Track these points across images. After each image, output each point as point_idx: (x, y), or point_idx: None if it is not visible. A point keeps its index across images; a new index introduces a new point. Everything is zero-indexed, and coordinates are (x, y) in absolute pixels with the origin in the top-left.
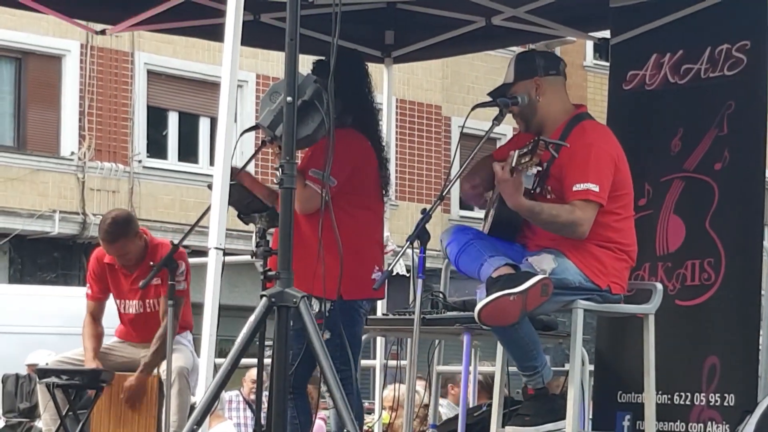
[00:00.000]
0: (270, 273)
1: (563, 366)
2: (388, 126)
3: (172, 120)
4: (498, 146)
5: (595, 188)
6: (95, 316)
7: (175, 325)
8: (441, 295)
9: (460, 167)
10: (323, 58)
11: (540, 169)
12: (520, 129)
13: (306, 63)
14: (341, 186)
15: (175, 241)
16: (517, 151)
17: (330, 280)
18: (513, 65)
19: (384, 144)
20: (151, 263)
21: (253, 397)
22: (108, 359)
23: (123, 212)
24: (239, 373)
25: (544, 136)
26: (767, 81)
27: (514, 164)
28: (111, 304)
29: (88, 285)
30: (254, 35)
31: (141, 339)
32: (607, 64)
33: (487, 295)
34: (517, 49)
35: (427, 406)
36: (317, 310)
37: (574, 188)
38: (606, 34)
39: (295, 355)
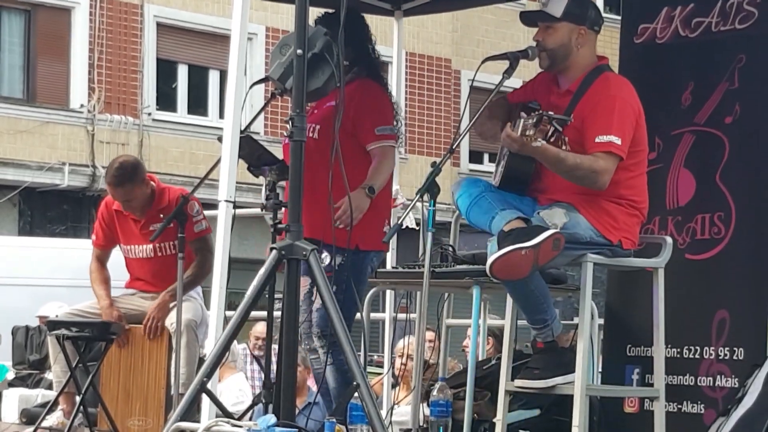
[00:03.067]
0: (280, 225)
1: (572, 320)
2: (398, 79)
3: (182, 72)
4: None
5: (618, 141)
6: (101, 261)
7: (208, 270)
8: (450, 249)
9: (470, 121)
10: (330, 11)
11: (542, 143)
12: (541, 66)
13: (316, 16)
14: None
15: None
16: (521, 120)
17: (345, 231)
18: (565, 1)
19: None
20: (161, 214)
21: (257, 352)
22: (122, 314)
23: (131, 158)
24: (247, 327)
25: (559, 103)
26: None
27: (519, 134)
28: (119, 259)
29: (94, 232)
30: None
31: (152, 286)
32: (617, 17)
33: (499, 249)
34: (526, 1)
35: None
36: (327, 262)
37: (597, 139)
38: None
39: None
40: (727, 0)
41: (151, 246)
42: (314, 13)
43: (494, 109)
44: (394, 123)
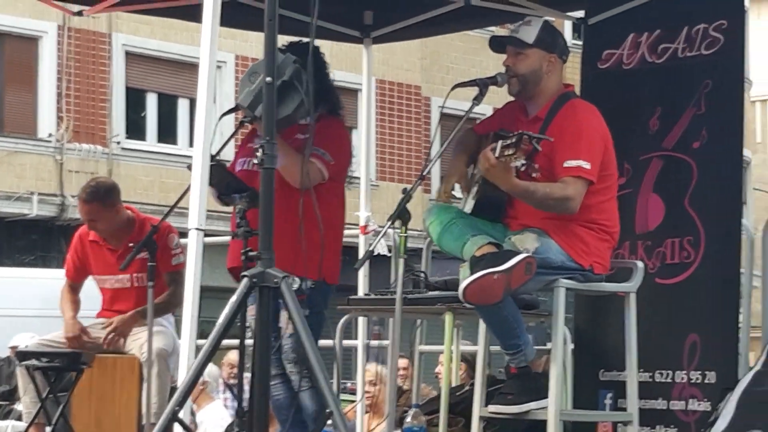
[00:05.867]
0: (251, 253)
1: (545, 345)
2: (368, 106)
3: (151, 101)
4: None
5: (587, 165)
6: (73, 288)
7: (179, 302)
8: (422, 275)
9: (440, 147)
10: (296, 40)
11: (524, 163)
12: (511, 92)
13: (281, 44)
14: (338, 170)
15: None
16: (500, 142)
17: (312, 261)
18: (537, 29)
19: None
20: (131, 244)
21: (231, 381)
22: (88, 341)
23: (109, 181)
24: (219, 355)
25: (527, 130)
26: (744, 60)
27: (497, 155)
28: (92, 290)
29: (66, 264)
30: (233, 15)
31: None
32: (578, 42)
33: (471, 274)
34: (496, 29)
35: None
36: (297, 286)
37: (566, 164)
38: (581, 14)
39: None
40: (693, 26)
41: (127, 276)
42: (283, 40)
43: (463, 148)
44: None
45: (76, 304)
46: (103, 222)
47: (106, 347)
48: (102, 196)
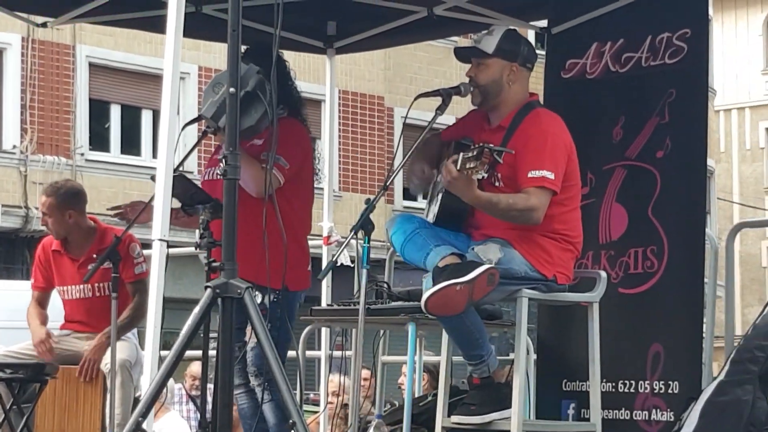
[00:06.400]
0: (214, 264)
1: (507, 355)
2: (331, 117)
3: (115, 112)
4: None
5: (551, 176)
6: (40, 302)
7: (144, 313)
8: (385, 285)
9: (403, 158)
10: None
11: (485, 176)
12: (474, 102)
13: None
14: (294, 172)
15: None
16: (462, 155)
17: (275, 271)
18: (498, 38)
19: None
20: (94, 256)
21: (194, 392)
22: (56, 347)
23: (78, 186)
24: (182, 367)
25: (490, 139)
26: (708, 69)
27: (458, 168)
28: (57, 302)
29: (32, 275)
30: (196, 27)
31: (88, 327)
32: (542, 52)
33: (434, 285)
34: (459, 39)
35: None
36: (260, 300)
37: (530, 174)
38: (545, 23)
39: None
40: (657, 35)
41: (89, 286)
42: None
43: (425, 149)
44: (314, 160)
45: (43, 317)
46: (53, 221)
47: (83, 379)
48: (60, 195)
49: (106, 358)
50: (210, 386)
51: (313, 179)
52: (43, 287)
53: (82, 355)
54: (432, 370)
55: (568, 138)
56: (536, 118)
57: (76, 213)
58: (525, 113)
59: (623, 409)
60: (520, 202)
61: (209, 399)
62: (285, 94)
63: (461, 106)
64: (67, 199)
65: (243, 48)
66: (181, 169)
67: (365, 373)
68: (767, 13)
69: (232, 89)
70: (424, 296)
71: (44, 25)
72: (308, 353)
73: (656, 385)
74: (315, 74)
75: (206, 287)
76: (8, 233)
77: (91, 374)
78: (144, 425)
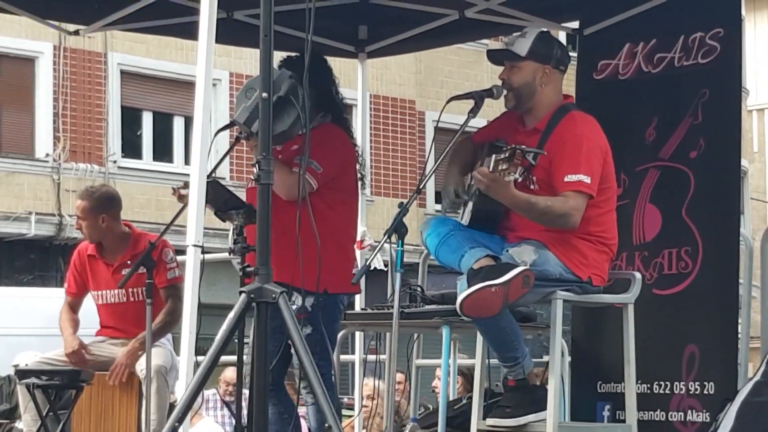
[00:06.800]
0: (248, 269)
1: (542, 357)
2: (362, 121)
3: (147, 120)
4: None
5: (587, 180)
6: (72, 307)
7: (178, 317)
8: (419, 289)
9: (435, 162)
10: (293, 54)
11: (518, 178)
12: (507, 106)
13: (279, 59)
14: (329, 180)
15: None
16: (494, 156)
17: (314, 274)
18: (531, 40)
19: (356, 139)
20: (128, 262)
21: (228, 398)
22: (88, 358)
23: (113, 191)
24: (216, 372)
25: (525, 142)
26: (741, 68)
27: (491, 170)
28: (91, 308)
29: (66, 280)
30: (227, 33)
31: (122, 333)
32: (573, 54)
33: (469, 287)
34: (490, 42)
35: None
36: (300, 304)
37: (566, 179)
38: (577, 24)
39: (271, 354)
40: (690, 35)
41: (123, 291)
42: (279, 56)
43: (458, 157)
44: (358, 166)
45: (75, 323)
46: (87, 225)
47: (113, 383)
48: (94, 199)
49: (141, 364)
50: (245, 392)
51: (357, 185)
52: (76, 293)
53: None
54: (466, 373)
55: (603, 141)
56: (571, 121)
57: (109, 218)
58: (560, 116)
59: (658, 410)
60: (557, 205)
61: (244, 404)
62: (328, 100)
63: (493, 110)
64: (101, 203)
65: (284, 55)
66: (214, 175)
67: (399, 376)
68: None
69: (264, 94)
70: (459, 298)
71: (76, 33)
72: (342, 357)
73: (692, 386)
74: (346, 79)
75: (241, 292)
76: (42, 241)
77: (121, 378)
78: (180, 431)
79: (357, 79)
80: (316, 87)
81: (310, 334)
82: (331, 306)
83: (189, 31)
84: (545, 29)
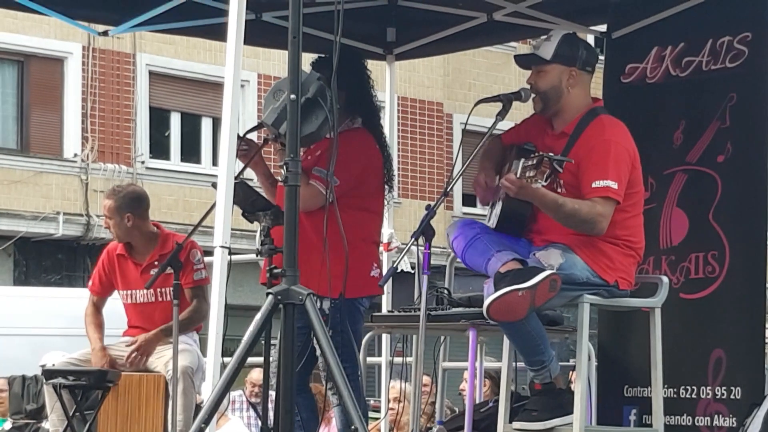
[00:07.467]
0: (276, 270)
1: (568, 361)
2: (390, 124)
3: (175, 120)
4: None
5: (615, 185)
6: (97, 306)
7: (202, 316)
8: (446, 292)
9: (463, 164)
10: (324, 55)
11: (544, 184)
12: (535, 109)
13: (308, 61)
14: (346, 188)
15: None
16: (522, 162)
17: (332, 279)
18: (555, 43)
19: (386, 141)
20: (156, 262)
21: (254, 399)
22: (115, 359)
23: (140, 191)
24: (243, 373)
25: (553, 145)
26: None
27: (518, 176)
28: (117, 308)
29: (91, 277)
30: (256, 34)
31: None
32: (600, 57)
33: (496, 290)
34: (518, 45)
35: (433, 403)
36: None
37: (594, 185)
38: (605, 28)
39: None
40: (718, 39)
41: (152, 290)
42: (307, 58)
43: (488, 157)
44: (385, 172)
45: (100, 327)
46: (113, 224)
47: (129, 366)
48: (119, 198)
49: (169, 365)
50: (271, 393)
51: (383, 189)
52: (101, 292)
53: (143, 362)
54: (493, 376)
55: (631, 145)
56: (600, 126)
57: (134, 217)
58: (589, 120)
59: (685, 414)
60: (585, 209)
61: (271, 406)
62: (358, 102)
63: (520, 112)
64: (126, 202)
65: (312, 56)
66: (241, 176)
67: (426, 379)
68: None
69: (293, 96)
70: (486, 302)
71: (105, 33)
72: (369, 360)
73: (718, 390)
74: (374, 81)
75: (268, 294)
76: (69, 241)
77: (137, 363)
78: None
79: (385, 82)
80: (347, 89)
81: (332, 337)
82: (351, 309)
83: (218, 33)
84: (571, 31)
